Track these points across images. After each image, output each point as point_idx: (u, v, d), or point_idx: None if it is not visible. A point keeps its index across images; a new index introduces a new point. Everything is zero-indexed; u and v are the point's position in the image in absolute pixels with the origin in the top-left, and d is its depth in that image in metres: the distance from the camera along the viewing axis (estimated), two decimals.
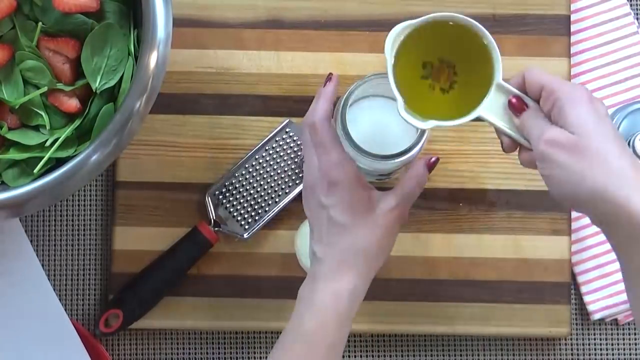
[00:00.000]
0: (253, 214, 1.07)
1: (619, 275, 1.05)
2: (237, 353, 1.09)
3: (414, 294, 1.07)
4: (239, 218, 1.07)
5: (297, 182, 1.07)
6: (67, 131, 0.95)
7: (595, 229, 1.02)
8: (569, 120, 0.82)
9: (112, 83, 0.95)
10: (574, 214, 1.09)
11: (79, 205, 1.10)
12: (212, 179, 1.08)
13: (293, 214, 1.07)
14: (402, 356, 1.09)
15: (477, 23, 0.85)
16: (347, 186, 0.89)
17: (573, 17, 1.10)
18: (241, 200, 1.07)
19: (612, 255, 1.07)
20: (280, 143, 1.07)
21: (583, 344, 1.10)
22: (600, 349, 1.10)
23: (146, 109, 0.91)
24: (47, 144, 0.95)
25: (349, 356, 1.09)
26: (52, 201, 0.92)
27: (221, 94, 1.08)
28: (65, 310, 1.07)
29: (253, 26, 1.09)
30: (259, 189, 1.07)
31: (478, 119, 0.85)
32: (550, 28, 1.09)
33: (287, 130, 1.07)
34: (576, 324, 1.10)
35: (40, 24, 0.95)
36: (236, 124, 1.08)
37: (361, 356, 1.09)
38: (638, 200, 0.79)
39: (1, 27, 0.96)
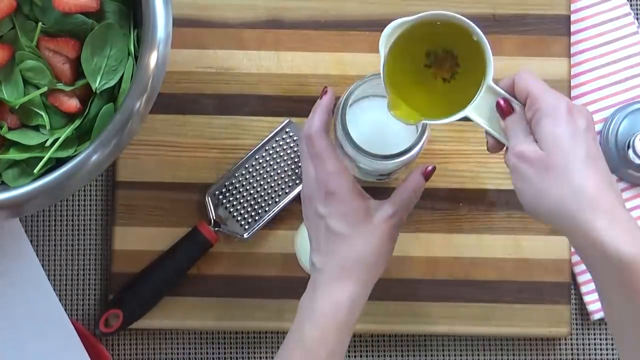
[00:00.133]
0: (253, 214, 1.07)
1: None
2: (237, 353, 1.09)
3: (413, 294, 1.07)
4: (239, 218, 1.07)
5: (297, 182, 1.07)
6: (67, 131, 0.95)
7: None
8: (542, 135, 0.82)
9: (112, 83, 0.95)
10: None
11: (79, 205, 1.10)
12: (212, 179, 1.08)
13: (293, 214, 1.07)
14: (402, 356, 1.09)
15: (471, 23, 0.86)
16: (344, 196, 0.91)
17: (573, 17, 1.10)
18: (241, 200, 1.07)
19: None
20: (280, 143, 1.07)
21: (583, 344, 1.10)
22: (600, 349, 1.10)
23: (146, 109, 0.91)
24: (47, 144, 0.95)
25: (349, 356, 1.09)
26: (52, 201, 0.92)
27: (221, 94, 1.08)
28: (65, 310, 1.07)
29: (253, 26, 1.09)
30: (259, 189, 1.07)
31: (468, 119, 0.86)
32: (550, 28, 1.09)
33: (287, 130, 1.07)
34: (576, 324, 1.10)
35: (40, 24, 0.95)
36: (236, 124, 1.08)
37: (361, 356, 1.09)
38: (595, 221, 0.79)
39: (1, 27, 0.96)
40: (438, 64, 0.88)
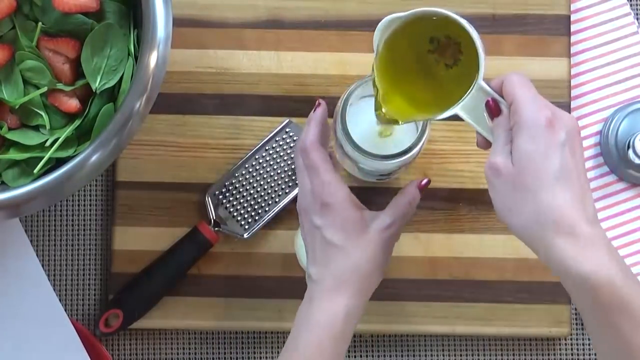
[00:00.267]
0: (253, 214, 1.07)
1: None
2: (237, 353, 1.09)
3: (414, 294, 1.07)
4: (239, 218, 1.07)
5: (297, 182, 1.07)
6: (67, 131, 0.95)
7: None
8: (516, 151, 0.81)
9: (112, 83, 0.95)
10: None
11: (79, 205, 1.10)
12: (212, 179, 1.07)
13: (293, 214, 1.07)
14: (402, 356, 1.09)
15: (464, 22, 0.85)
16: (340, 207, 0.91)
17: (573, 17, 1.10)
18: (241, 200, 1.07)
19: None
20: (280, 143, 1.07)
21: (583, 344, 1.10)
22: None
23: (146, 109, 0.91)
24: (47, 144, 0.95)
25: (349, 356, 1.09)
26: (52, 201, 0.92)
27: (221, 94, 1.08)
28: (65, 310, 1.07)
29: (253, 26, 1.09)
30: (259, 189, 1.07)
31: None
32: (550, 28, 1.09)
33: (287, 130, 1.07)
34: (576, 324, 1.10)
35: (40, 24, 0.95)
36: (236, 124, 1.08)
37: (361, 356, 1.09)
38: (558, 244, 0.79)
39: (1, 27, 0.96)
40: (441, 50, 0.87)
